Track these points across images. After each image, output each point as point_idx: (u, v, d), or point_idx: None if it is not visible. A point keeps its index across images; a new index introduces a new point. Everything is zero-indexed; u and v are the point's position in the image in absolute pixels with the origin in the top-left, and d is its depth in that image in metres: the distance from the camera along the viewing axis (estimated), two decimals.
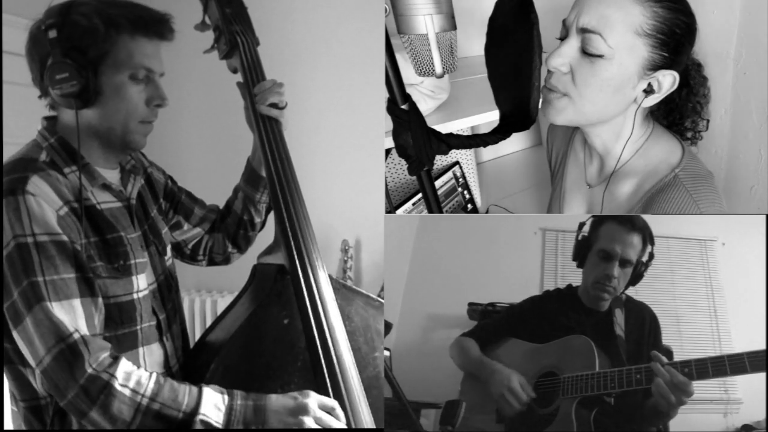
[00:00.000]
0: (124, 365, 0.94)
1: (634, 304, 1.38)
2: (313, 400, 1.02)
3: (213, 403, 0.96)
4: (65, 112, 1.07)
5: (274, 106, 1.22)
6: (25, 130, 1.12)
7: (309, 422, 0.99)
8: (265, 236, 1.19)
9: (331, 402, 1.04)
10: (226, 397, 0.98)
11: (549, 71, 1.10)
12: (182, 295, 1.28)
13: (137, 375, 0.94)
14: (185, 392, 0.95)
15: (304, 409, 1.00)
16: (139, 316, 1.08)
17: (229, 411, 0.96)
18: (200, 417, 0.94)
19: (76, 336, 0.93)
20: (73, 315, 0.95)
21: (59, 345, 0.92)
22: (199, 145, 2.81)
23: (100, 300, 1.01)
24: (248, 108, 1.25)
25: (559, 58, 1.07)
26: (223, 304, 2.72)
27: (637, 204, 1.15)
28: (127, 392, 0.92)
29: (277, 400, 1.00)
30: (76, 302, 0.96)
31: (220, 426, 0.95)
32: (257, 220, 1.37)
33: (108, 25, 1.03)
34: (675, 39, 1.05)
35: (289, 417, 0.99)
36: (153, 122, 1.11)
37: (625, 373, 1.18)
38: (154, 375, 0.96)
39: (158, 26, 1.07)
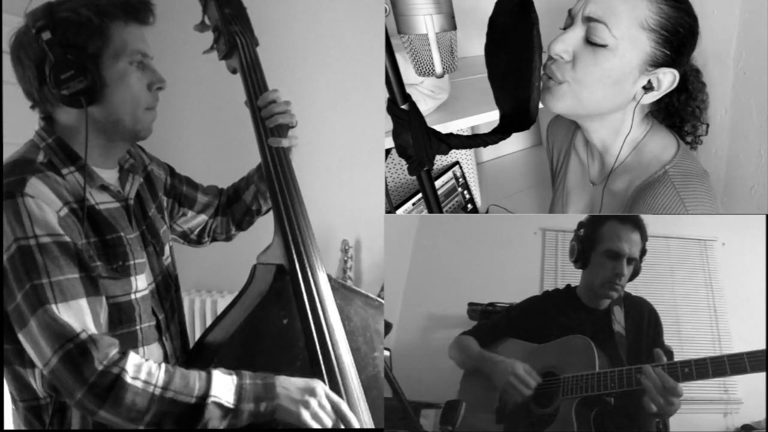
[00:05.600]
0: (133, 358, 0.95)
1: (632, 300, 1.38)
2: (322, 387, 1.03)
3: (222, 384, 0.97)
4: (63, 112, 1.06)
5: (285, 128, 1.23)
6: (25, 130, 1.12)
7: (314, 404, 1.00)
8: (265, 236, 1.19)
9: (338, 399, 1.04)
10: (234, 377, 0.99)
11: (550, 58, 1.09)
12: (182, 295, 1.28)
13: (147, 366, 0.95)
14: (195, 378, 0.96)
15: (312, 391, 1.01)
16: (138, 316, 1.08)
17: (239, 389, 0.97)
18: (211, 399, 0.95)
19: (83, 336, 0.93)
20: (81, 314, 0.95)
21: (66, 346, 0.92)
22: (200, 145, 2.80)
23: (104, 299, 1.01)
24: (249, 102, 1.24)
25: (562, 44, 1.07)
26: (223, 304, 2.72)
27: (626, 200, 1.15)
28: (139, 384, 0.93)
29: (286, 379, 1.01)
30: (83, 302, 0.96)
31: (231, 405, 0.96)
32: (265, 208, 1.40)
33: (100, 15, 1.03)
34: (678, 38, 1.05)
35: (297, 394, 1.00)
36: (156, 108, 1.12)
37: (625, 373, 1.17)
38: (163, 365, 0.97)
39: (143, 10, 1.08)
